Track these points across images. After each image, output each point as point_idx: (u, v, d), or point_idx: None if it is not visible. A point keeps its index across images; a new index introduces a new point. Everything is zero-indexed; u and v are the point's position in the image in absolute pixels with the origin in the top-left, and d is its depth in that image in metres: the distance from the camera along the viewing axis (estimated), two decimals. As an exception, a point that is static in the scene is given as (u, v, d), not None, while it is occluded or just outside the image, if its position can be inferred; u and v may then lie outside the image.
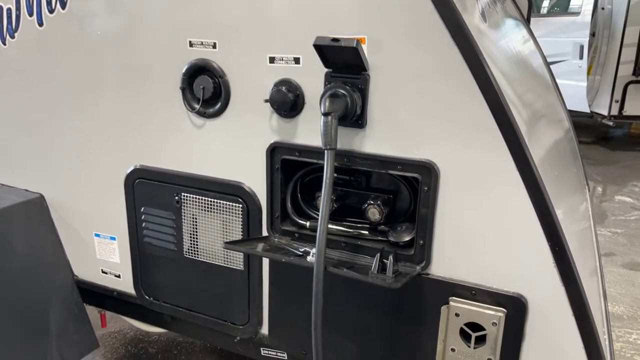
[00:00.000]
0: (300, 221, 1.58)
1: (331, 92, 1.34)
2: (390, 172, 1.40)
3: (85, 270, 2.07)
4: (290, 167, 1.56)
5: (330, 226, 1.55)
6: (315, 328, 1.22)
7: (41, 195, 2.03)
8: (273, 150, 1.53)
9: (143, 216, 1.83)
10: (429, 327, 1.45)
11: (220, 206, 1.67)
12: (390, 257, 1.29)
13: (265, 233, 1.62)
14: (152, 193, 1.78)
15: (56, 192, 2.00)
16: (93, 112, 1.81)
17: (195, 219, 1.73)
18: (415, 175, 1.37)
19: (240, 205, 1.64)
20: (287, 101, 1.43)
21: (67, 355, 2.04)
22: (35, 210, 2.01)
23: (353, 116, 1.36)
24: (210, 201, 1.69)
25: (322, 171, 1.54)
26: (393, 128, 1.38)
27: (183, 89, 1.62)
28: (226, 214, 1.68)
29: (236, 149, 1.61)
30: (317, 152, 1.46)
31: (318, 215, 1.58)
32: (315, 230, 1.55)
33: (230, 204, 1.65)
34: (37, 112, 1.92)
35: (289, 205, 1.59)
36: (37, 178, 2.02)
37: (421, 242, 1.41)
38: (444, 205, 1.37)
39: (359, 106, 1.36)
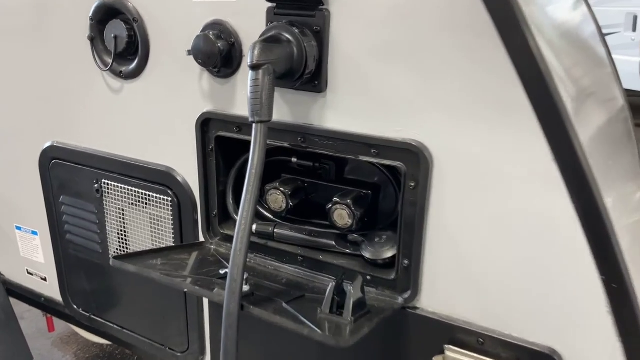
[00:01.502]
0: (245, 223, 1.15)
1: (267, 35, 0.89)
2: (362, 158, 0.95)
3: (10, 269, 1.70)
4: (230, 148, 1.12)
5: (283, 232, 1.11)
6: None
7: (-42, 176, 1.66)
8: (205, 124, 1.10)
9: (62, 207, 1.43)
10: (417, 382, 1.01)
11: (147, 199, 1.26)
12: (350, 289, 0.85)
13: (202, 237, 1.20)
14: (70, 178, 1.38)
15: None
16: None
17: (122, 213, 1.32)
18: (397, 163, 0.91)
19: (170, 199, 1.21)
20: (216, 52, 0.98)
21: (-12, 371, 1.69)
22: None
23: (303, 73, 0.90)
24: (135, 192, 1.27)
25: (275, 155, 1.11)
26: (365, 93, 0.92)
27: (92, 39, 1.19)
28: (155, 210, 1.26)
29: (162, 122, 1.18)
30: (270, 129, 1.01)
31: (271, 215, 1.15)
32: (265, 237, 1.12)
33: (159, 196, 1.23)
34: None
35: (230, 200, 1.16)
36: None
37: (406, 262, 0.95)
38: (440, 209, 0.91)
39: (312, 59, 0.90)
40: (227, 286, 0.80)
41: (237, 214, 1.13)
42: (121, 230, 1.34)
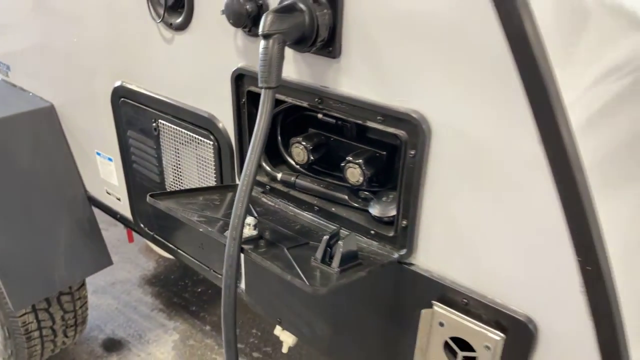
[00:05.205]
0: (273, 172, 1.26)
1: (283, 4, 0.95)
2: (370, 123, 1.01)
3: (94, 187, 1.97)
4: (261, 102, 1.22)
5: (303, 182, 1.21)
6: (225, 325, 0.94)
7: (52, 104, 1.91)
8: (239, 79, 1.20)
9: (130, 140, 1.63)
10: (408, 331, 1.11)
11: (193, 140, 1.40)
12: (340, 244, 0.94)
13: (237, 180, 1.34)
14: (134, 116, 1.56)
15: (63, 102, 1.87)
16: (76, 13, 1.59)
17: (175, 151, 1.49)
18: (399, 132, 0.96)
19: (212, 143, 1.35)
20: (244, 13, 1.06)
21: (76, 272, 2.02)
22: (45, 120, 1.90)
23: (316, 41, 0.96)
24: (184, 133, 1.42)
25: (304, 111, 1.20)
26: (375, 62, 0.96)
27: (148, -7, 1.31)
28: (200, 151, 1.41)
29: (205, 73, 1.29)
30: (292, 88, 1.09)
31: (297, 166, 1.25)
32: (288, 185, 1.24)
33: (203, 139, 1.37)
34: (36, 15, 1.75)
35: (260, 149, 1.27)
36: (48, 86, 1.90)
37: (404, 222, 1.02)
38: (436, 179, 0.96)
39: (325, 27, 0.95)
40: (229, 233, 0.92)
41: (267, 163, 1.25)
42: (175, 165, 1.51)
